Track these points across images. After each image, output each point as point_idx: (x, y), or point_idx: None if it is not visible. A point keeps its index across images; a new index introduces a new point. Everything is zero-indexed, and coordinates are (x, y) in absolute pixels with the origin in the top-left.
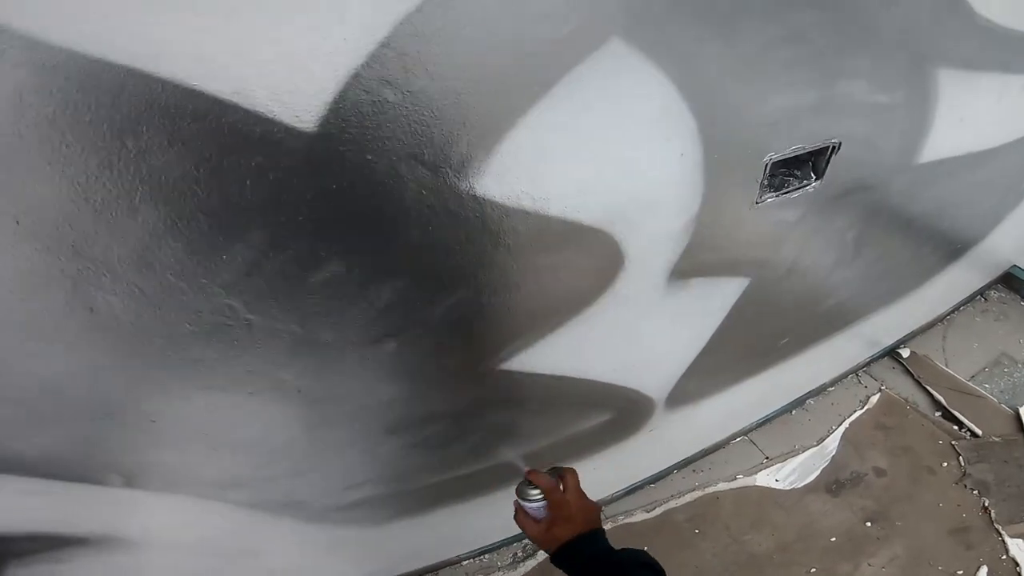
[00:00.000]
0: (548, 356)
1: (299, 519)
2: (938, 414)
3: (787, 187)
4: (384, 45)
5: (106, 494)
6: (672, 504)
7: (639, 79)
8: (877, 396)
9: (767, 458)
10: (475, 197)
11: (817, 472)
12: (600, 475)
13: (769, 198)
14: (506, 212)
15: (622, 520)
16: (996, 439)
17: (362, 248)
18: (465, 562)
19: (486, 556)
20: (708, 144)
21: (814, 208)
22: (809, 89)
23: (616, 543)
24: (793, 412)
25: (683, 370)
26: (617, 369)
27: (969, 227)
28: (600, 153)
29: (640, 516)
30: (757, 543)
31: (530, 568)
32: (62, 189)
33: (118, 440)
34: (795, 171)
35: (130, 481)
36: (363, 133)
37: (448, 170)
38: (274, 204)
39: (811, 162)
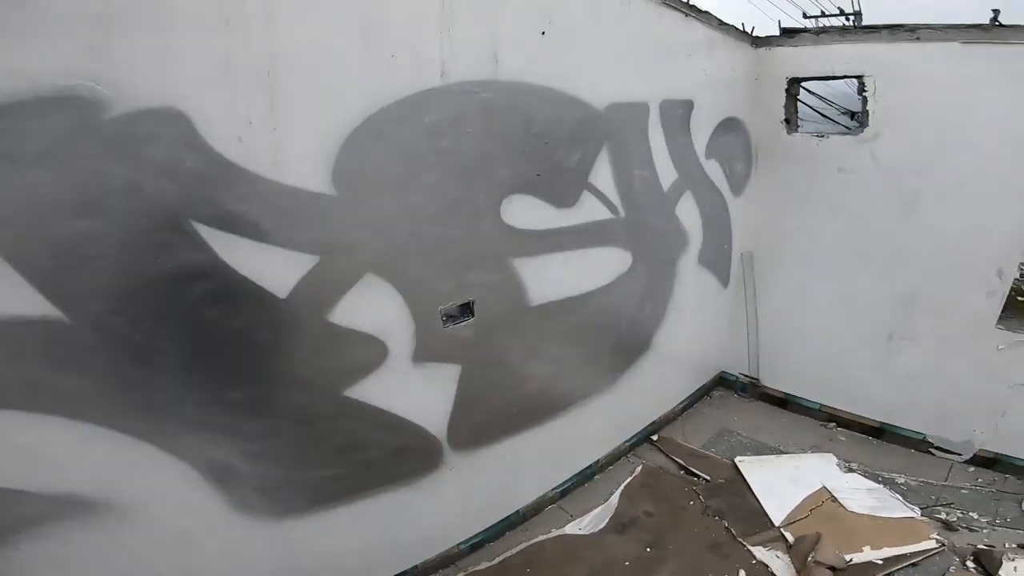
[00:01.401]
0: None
1: None
2: (682, 472)
3: (458, 320)
4: None
5: None
6: (508, 553)
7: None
8: (640, 467)
9: (571, 516)
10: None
11: (606, 520)
12: (448, 522)
13: (449, 325)
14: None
15: (471, 569)
16: (722, 480)
17: None
18: None
19: None
20: (413, 305)
21: (478, 332)
22: (455, 278)
23: None
24: (585, 484)
25: (447, 419)
26: (406, 409)
27: (616, 339)
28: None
29: (484, 565)
30: (574, 573)
31: None
32: None
33: None
34: (461, 313)
35: None
36: None
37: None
38: None
39: (469, 307)
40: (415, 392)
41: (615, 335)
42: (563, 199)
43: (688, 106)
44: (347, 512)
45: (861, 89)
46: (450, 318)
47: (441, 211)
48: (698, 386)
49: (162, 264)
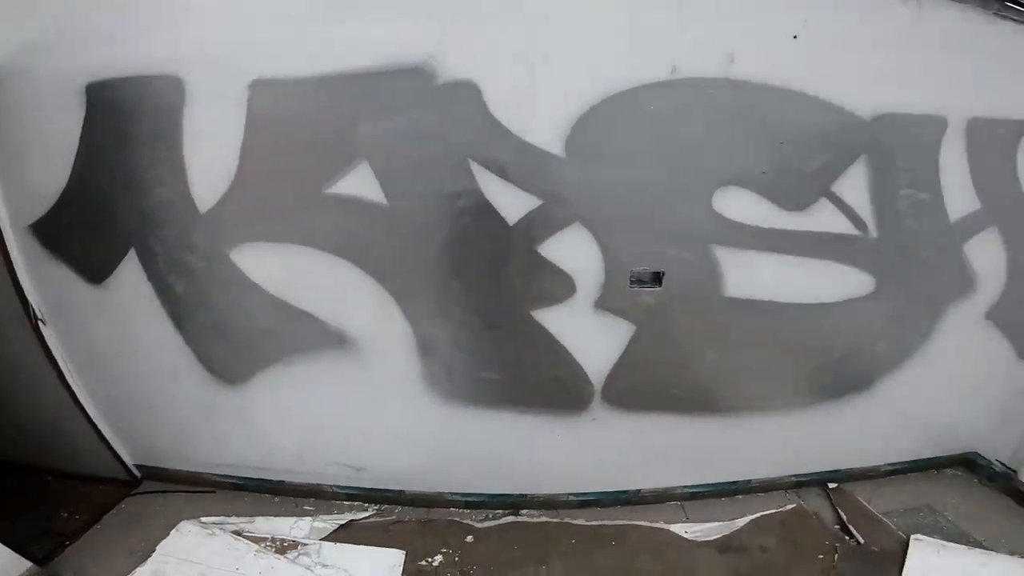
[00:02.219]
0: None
1: None
2: (837, 527)
3: (645, 285)
4: None
5: None
6: (606, 521)
7: None
8: (792, 506)
9: (688, 518)
10: None
11: (717, 536)
12: (570, 469)
13: (636, 287)
14: None
15: (567, 519)
16: (875, 549)
17: None
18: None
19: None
20: (608, 259)
21: (661, 302)
22: (651, 247)
23: (554, 534)
24: (723, 499)
25: (607, 371)
26: (574, 346)
27: (820, 366)
28: None
29: (580, 521)
30: (648, 565)
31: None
32: None
33: None
34: (651, 279)
35: None
36: None
37: None
38: None
39: (659, 276)
40: (587, 335)
41: (821, 361)
42: (790, 201)
43: (1015, 127)
44: (499, 418)
45: None
46: (638, 281)
47: (651, 186)
48: (927, 456)
49: (446, 183)
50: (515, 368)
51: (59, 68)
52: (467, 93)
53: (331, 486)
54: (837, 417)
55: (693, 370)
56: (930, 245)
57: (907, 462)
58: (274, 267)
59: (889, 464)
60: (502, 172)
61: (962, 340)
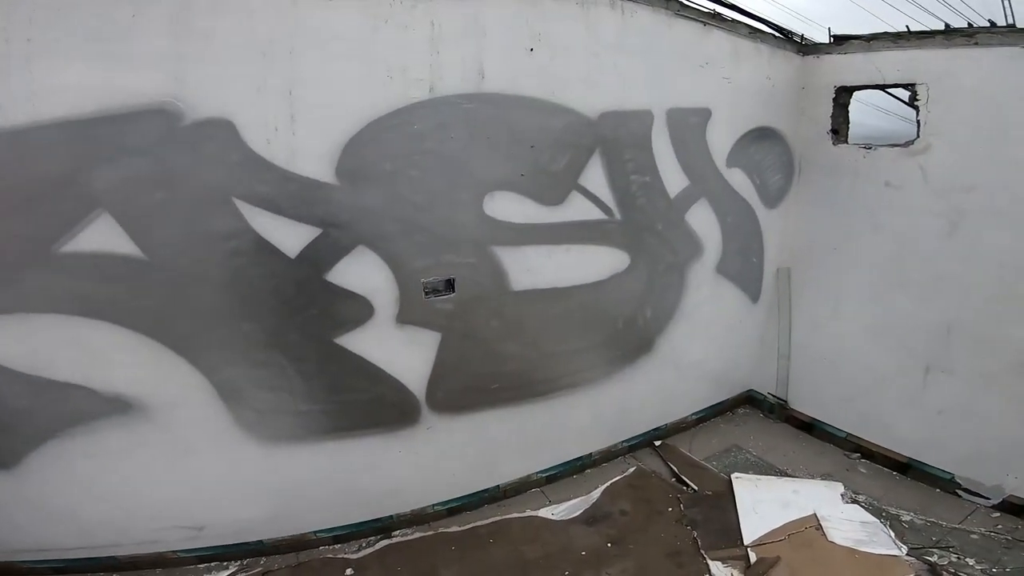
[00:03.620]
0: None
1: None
2: (673, 480)
3: (440, 293)
4: None
5: None
6: (479, 522)
7: None
8: (633, 469)
9: (550, 501)
10: None
11: (581, 511)
12: (424, 480)
13: (432, 296)
14: None
15: (441, 529)
16: (708, 493)
17: None
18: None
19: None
20: (398, 275)
21: (459, 306)
22: (435, 257)
23: (432, 547)
24: (574, 476)
25: (426, 380)
26: (388, 363)
27: (609, 336)
28: None
29: (454, 528)
30: (531, 552)
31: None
32: None
33: None
34: (444, 287)
35: None
36: None
37: None
38: None
39: (451, 283)
40: (397, 350)
41: (608, 332)
42: (548, 198)
43: (704, 115)
44: (332, 447)
45: (913, 98)
46: (432, 291)
47: (424, 200)
48: (719, 400)
49: (212, 225)
50: (334, 396)
51: None
52: (221, 131)
53: (175, 551)
54: (640, 379)
55: (505, 363)
56: (662, 219)
57: (707, 408)
58: (14, 342)
59: (694, 413)
60: (272, 206)
61: (705, 294)
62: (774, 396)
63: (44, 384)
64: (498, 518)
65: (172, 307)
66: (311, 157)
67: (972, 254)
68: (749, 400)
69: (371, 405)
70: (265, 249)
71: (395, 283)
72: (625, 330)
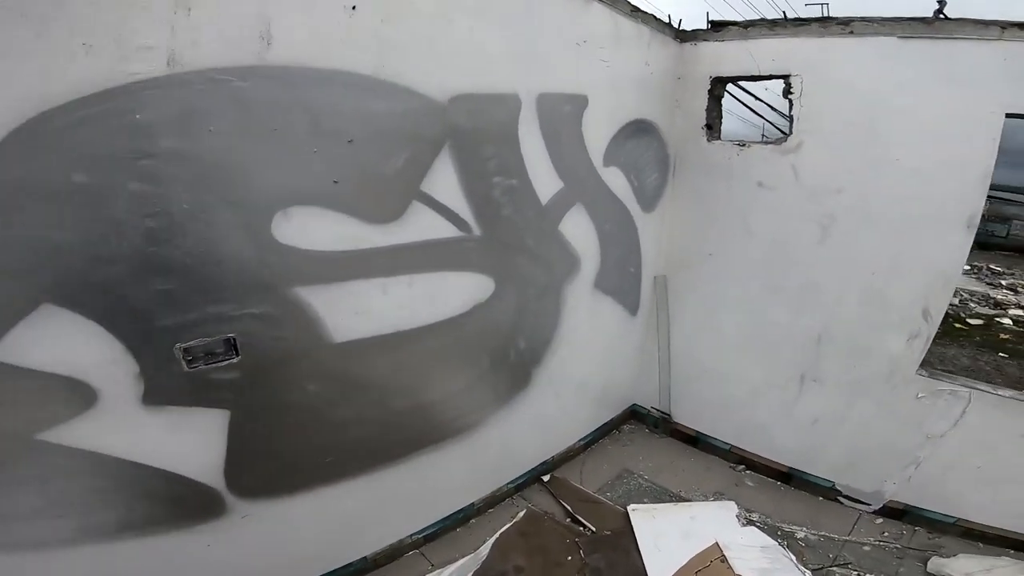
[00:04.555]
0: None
1: None
2: (568, 520)
3: (216, 359)
4: None
5: None
6: None
7: None
8: (523, 513)
9: (432, 565)
10: None
11: (470, 573)
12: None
13: (199, 365)
14: None
15: None
16: (608, 532)
17: None
18: None
19: None
20: (129, 341)
21: (249, 373)
22: (195, 311)
23: None
24: (458, 529)
25: (221, 467)
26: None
27: (475, 379)
28: None
29: None
30: None
31: None
32: None
33: None
34: (219, 351)
35: None
36: None
37: None
38: None
39: (231, 344)
40: (155, 438)
41: (474, 374)
42: (378, 212)
43: (580, 103)
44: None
45: (787, 91)
46: (201, 357)
47: (160, 228)
48: (604, 420)
49: None
50: (86, 511)
51: None
52: None
53: None
54: (518, 417)
55: (338, 432)
56: (532, 232)
57: (593, 431)
58: None
59: (581, 439)
60: None
61: (583, 315)
62: (657, 410)
63: None
64: None
65: None
66: None
67: (843, 260)
68: (634, 415)
69: (145, 506)
70: None
71: (127, 352)
72: (494, 369)
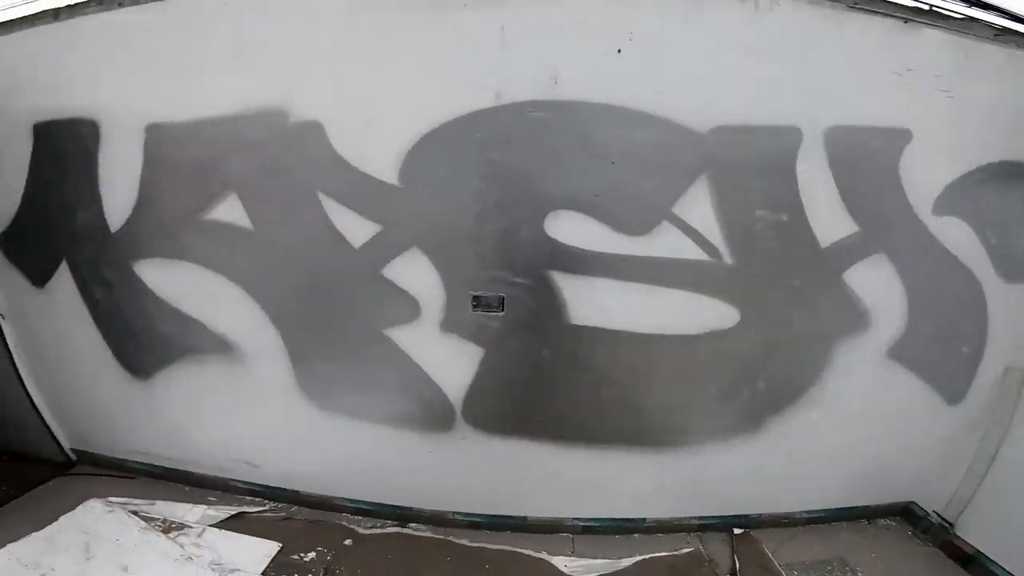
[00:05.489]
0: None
1: None
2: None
3: (489, 309)
4: None
5: None
6: (488, 545)
7: None
8: (688, 550)
9: (572, 553)
10: None
11: (596, 574)
12: (448, 486)
13: (479, 311)
14: None
15: (451, 538)
16: None
17: None
18: None
19: None
20: (447, 282)
21: (506, 326)
22: (487, 271)
23: (431, 549)
24: (617, 536)
25: (464, 392)
26: (428, 366)
27: (690, 403)
28: None
29: (464, 541)
30: None
31: None
32: None
33: None
34: (493, 304)
35: None
36: None
37: None
38: None
39: (500, 301)
40: (438, 355)
41: (692, 396)
42: (629, 225)
43: (897, 137)
44: (370, 428)
45: None
46: (480, 304)
47: (480, 211)
48: (852, 504)
49: (301, 211)
50: (379, 383)
51: (13, 110)
52: (314, 131)
53: (233, 480)
54: (730, 458)
55: (551, 399)
56: (801, 273)
57: (832, 510)
58: (168, 280)
59: (807, 512)
60: (345, 201)
61: (861, 381)
62: (939, 516)
63: (182, 317)
64: (509, 548)
65: (266, 274)
66: (379, 159)
67: None
68: (904, 513)
69: (412, 401)
70: (336, 237)
71: (443, 290)
72: (720, 400)
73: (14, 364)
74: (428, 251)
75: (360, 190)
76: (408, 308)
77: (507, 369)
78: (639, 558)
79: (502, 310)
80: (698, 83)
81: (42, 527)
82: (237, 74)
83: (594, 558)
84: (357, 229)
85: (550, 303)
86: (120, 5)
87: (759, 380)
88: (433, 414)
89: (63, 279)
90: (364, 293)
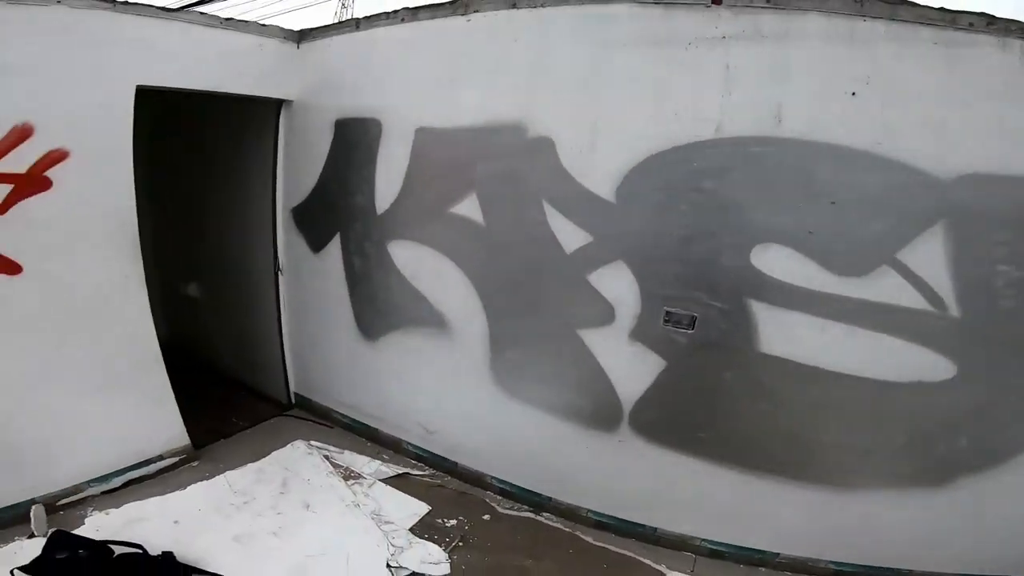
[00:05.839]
0: (589, 338)
1: None
2: None
3: (678, 325)
4: None
5: None
6: (611, 547)
7: None
8: None
9: (691, 573)
10: None
11: None
12: (594, 482)
13: (668, 326)
14: None
15: (578, 533)
16: None
17: None
18: None
19: None
20: (644, 295)
21: (693, 344)
22: (686, 291)
23: (556, 541)
24: (742, 566)
25: (636, 398)
26: (608, 367)
27: (875, 448)
28: None
29: (589, 539)
30: None
31: None
32: None
33: None
34: (683, 321)
35: None
36: None
37: None
38: None
39: (692, 319)
40: (622, 360)
41: (875, 443)
42: (843, 266)
43: None
44: (541, 418)
45: None
46: (672, 321)
47: (688, 235)
48: None
49: (526, 214)
50: (560, 376)
51: (322, 106)
52: (546, 146)
53: (408, 442)
54: (909, 506)
55: (721, 418)
56: None
57: None
58: (411, 259)
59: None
60: (564, 210)
61: None
62: None
63: (413, 291)
64: (630, 555)
65: (488, 265)
66: (599, 177)
67: None
68: None
69: (585, 398)
70: (552, 241)
71: (639, 300)
72: (907, 450)
73: (279, 314)
74: (632, 264)
75: (579, 202)
76: (604, 313)
77: (684, 384)
78: None
79: (692, 328)
80: (944, 129)
81: (257, 460)
82: (490, 90)
83: None
84: (571, 236)
85: (742, 329)
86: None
87: (962, 437)
88: (601, 414)
89: (333, 248)
90: (567, 294)
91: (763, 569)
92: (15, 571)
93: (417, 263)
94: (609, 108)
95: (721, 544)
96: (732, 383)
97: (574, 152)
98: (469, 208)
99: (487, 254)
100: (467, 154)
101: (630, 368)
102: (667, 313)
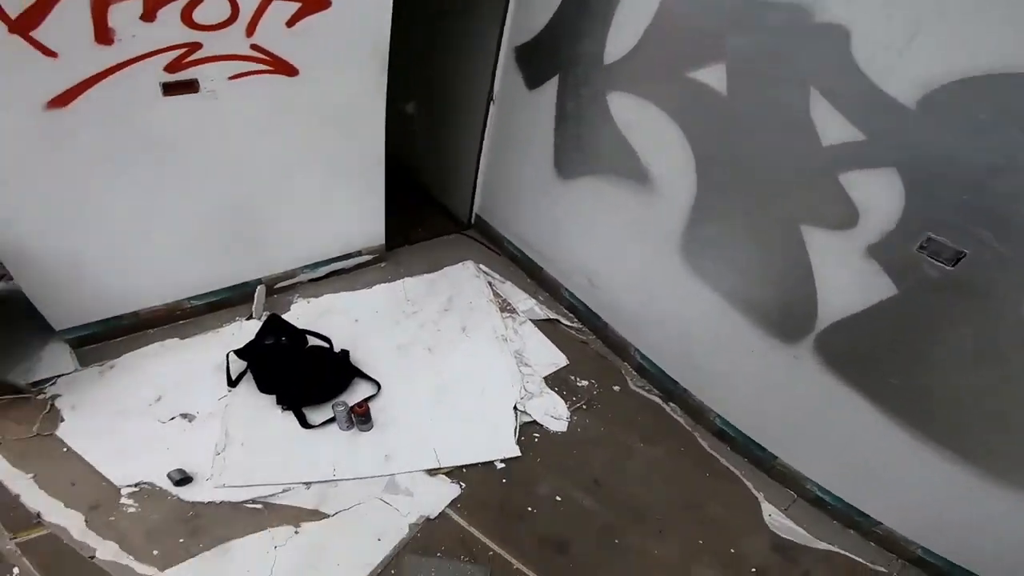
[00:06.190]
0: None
1: None
2: None
3: (936, 257)
4: None
5: None
6: (722, 460)
7: None
8: (883, 571)
9: (785, 509)
10: None
11: (787, 538)
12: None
13: (922, 254)
14: None
15: (695, 436)
16: None
17: None
18: None
19: None
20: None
21: (940, 281)
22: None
23: (673, 433)
24: (834, 523)
25: (834, 321)
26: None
27: None
28: None
29: (704, 444)
30: (716, 514)
31: None
32: None
33: None
34: (944, 257)
35: None
36: None
37: None
38: None
39: (955, 257)
40: (842, 272)
41: None
42: None
43: None
44: (716, 304)
45: None
46: (929, 249)
47: (1000, 166)
48: None
49: (778, 94)
50: (757, 271)
51: None
52: (836, 36)
53: (567, 289)
54: None
55: (929, 374)
56: None
57: None
58: (630, 112)
59: None
60: (837, 102)
61: None
62: None
63: (624, 143)
64: (735, 472)
65: (718, 136)
66: (905, 80)
67: None
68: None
69: (775, 302)
70: (805, 128)
71: (899, 216)
72: None
73: (482, 139)
74: (907, 176)
75: (862, 99)
76: (844, 216)
77: (906, 321)
78: (838, 550)
79: (952, 266)
80: None
81: (431, 271)
82: None
83: (800, 526)
84: (836, 129)
85: (1018, 286)
86: None
87: None
88: (788, 322)
89: (549, 88)
90: (803, 184)
91: (852, 532)
92: (230, 354)
93: (636, 117)
94: (938, 12)
95: (831, 494)
96: (965, 340)
97: (875, 47)
98: (712, 77)
99: (720, 124)
100: (721, 25)
101: (849, 283)
102: (928, 239)
